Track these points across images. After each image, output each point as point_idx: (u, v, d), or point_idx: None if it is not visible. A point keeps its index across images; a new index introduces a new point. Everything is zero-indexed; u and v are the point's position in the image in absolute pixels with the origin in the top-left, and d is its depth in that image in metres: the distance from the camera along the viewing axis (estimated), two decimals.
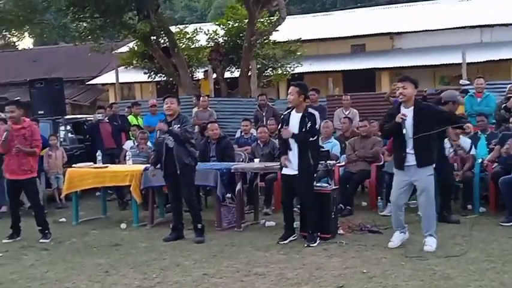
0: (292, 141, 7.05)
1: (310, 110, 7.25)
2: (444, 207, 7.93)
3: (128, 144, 11.33)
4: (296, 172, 7.02)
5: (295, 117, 7.11)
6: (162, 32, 16.37)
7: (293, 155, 7.06)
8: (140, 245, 7.42)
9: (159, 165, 7.65)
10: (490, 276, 5.48)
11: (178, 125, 7.41)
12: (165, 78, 18.20)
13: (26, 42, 54.72)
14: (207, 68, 17.13)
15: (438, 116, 6.68)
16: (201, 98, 13.15)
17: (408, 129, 6.47)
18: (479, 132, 9.23)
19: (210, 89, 15.77)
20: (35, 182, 8.22)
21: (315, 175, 7.27)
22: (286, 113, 7.33)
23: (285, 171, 7.17)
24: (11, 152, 7.83)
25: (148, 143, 10.55)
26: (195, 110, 12.92)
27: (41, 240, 7.87)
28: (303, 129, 6.97)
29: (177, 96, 7.86)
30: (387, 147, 9.13)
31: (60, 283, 5.88)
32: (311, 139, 7.02)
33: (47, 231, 8.02)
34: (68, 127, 12.75)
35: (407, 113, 6.50)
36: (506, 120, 9.41)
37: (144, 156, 10.13)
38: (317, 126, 7.12)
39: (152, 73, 18.30)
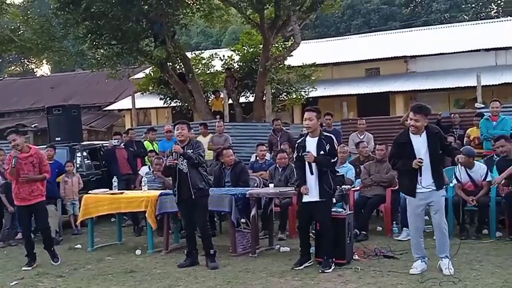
0: (313, 167, 7.00)
1: (326, 133, 7.26)
2: None
3: (143, 170, 11.40)
4: (317, 199, 6.99)
5: (311, 143, 7.07)
6: (178, 58, 16.57)
7: (313, 180, 7.01)
8: (155, 271, 7.41)
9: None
10: None
11: (191, 150, 7.41)
12: (180, 103, 18.36)
13: (43, 69, 55.31)
14: (217, 89, 17.27)
15: (444, 145, 6.65)
16: (217, 123, 13.22)
17: (423, 156, 6.40)
18: (495, 156, 9.16)
19: (223, 108, 15.87)
20: (44, 204, 8.26)
21: (333, 200, 7.23)
22: (300, 140, 7.30)
23: (305, 198, 7.10)
24: (20, 180, 7.88)
25: None
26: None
27: (53, 263, 8.03)
28: (321, 152, 6.95)
29: (188, 122, 7.86)
30: None
31: None
32: (332, 161, 7.02)
33: (53, 250, 8.18)
34: (85, 153, 12.80)
35: (420, 141, 6.45)
36: None
37: (159, 182, 10.19)
38: (336, 148, 7.12)
39: (168, 99, 18.45)
